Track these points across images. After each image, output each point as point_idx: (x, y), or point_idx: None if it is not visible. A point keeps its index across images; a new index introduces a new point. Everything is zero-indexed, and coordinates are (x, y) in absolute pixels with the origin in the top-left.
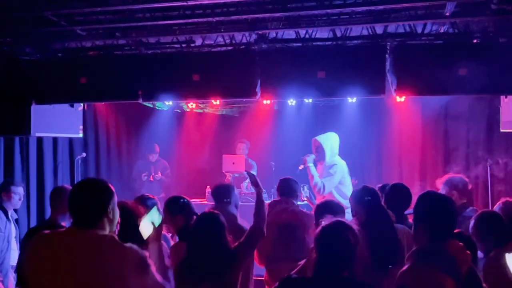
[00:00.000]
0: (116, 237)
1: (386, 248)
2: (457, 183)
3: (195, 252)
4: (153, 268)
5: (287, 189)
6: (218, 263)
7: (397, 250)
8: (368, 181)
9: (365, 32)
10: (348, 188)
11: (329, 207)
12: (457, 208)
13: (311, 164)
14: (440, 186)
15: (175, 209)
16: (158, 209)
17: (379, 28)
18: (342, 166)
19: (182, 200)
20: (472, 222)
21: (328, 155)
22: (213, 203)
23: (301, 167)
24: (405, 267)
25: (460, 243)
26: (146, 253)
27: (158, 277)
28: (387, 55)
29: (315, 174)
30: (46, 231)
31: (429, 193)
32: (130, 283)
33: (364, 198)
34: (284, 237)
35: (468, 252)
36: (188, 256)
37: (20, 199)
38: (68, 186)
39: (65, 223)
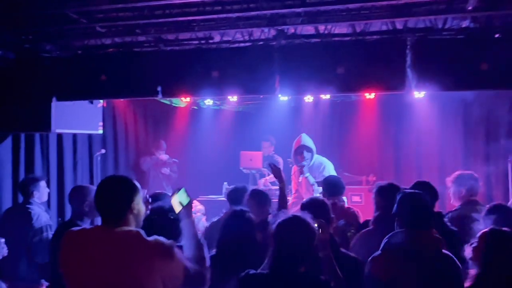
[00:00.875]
0: (142, 232)
1: None
2: (466, 180)
3: (225, 248)
4: (179, 255)
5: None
6: (247, 259)
7: None
8: (386, 178)
9: (384, 27)
10: None
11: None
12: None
13: (308, 174)
14: (449, 184)
15: None
16: (186, 191)
17: (399, 23)
18: (329, 164)
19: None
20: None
21: (315, 154)
22: None
23: (300, 179)
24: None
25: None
26: (170, 243)
27: (186, 263)
28: (407, 51)
29: (314, 183)
30: (72, 231)
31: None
32: (158, 273)
33: (388, 193)
34: None
35: None
36: (218, 252)
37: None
38: (87, 185)
39: (83, 223)
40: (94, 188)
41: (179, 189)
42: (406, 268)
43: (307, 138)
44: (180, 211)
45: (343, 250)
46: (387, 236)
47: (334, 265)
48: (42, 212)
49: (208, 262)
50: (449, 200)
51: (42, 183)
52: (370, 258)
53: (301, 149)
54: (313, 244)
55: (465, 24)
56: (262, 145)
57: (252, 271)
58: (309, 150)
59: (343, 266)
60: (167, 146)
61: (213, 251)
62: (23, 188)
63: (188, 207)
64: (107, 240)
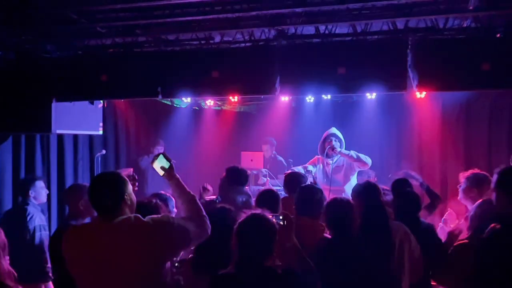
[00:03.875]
0: (139, 216)
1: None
2: (478, 181)
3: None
4: (177, 220)
5: None
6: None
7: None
8: (387, 179)
9: (385, 27)
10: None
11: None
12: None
13: (339, 149)
14: (462, 180)
15: None
16: (165, 155)
17: (400, 23)
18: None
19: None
20: None
21: (344, 144)
22: None
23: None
24: None
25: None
26: (165, 215)
27: (185, 223)
28: (408, 50)
29: (349, 152)
30: (73, 227)
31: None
32: (165, 245)
33: (364, 192)
34: None
35: None
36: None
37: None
38: (81, 183)
39: (78, 223)
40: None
41: (157, 155)
42: None
43: (336, 130)
44: (164, 174)
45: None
46: None
47: (302, 254)
48: (37, 212)
49: (203, 211)
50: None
51: (39, 183)
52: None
53: (330, 137)
54: (275, 238)
55: (466, 23)
56: (262, 148)
57: (221, 272)
58: (338, 138)
59: None
60: (168, 147)
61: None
62: (21, 188)
63: (170, 169)
64: (109, 230)
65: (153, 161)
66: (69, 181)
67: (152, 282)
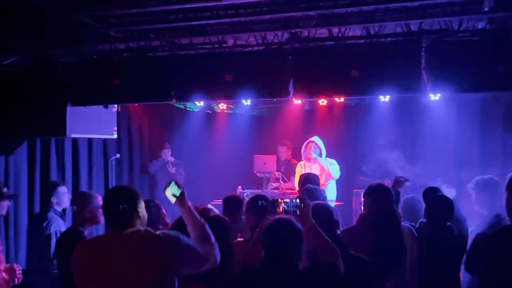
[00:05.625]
0: (150, 229)
1: (389, 247)
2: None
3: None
4: (188, 240)
5: None
6: None
7: (400, 251)
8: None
9: (399, 29)
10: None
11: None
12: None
13: (315, 155)
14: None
15: None
16: (176, 183)
17: (414, 25)
18: (336, 164)
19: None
20: None
21: (324, 153)
22: None
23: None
24: None
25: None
26: (177, 232)
27: (195, 246)
28: (422, 52)
29: (322, 161)
30: (87, 240)
31: None
32: (173, 262)
33: (376, 195)
34: None
35: None
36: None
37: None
38: (89, 191)
39: (85, 230)
40: (96, 194)
41: (169, 183)
42: None
43: (318, 138)
44: (176, 201)
45: (351, 251)
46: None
47: (320, 232)
48: (55, 218)
49: (213, 239)
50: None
51: (62, 189)
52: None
53: (310, 144)
54: (302, 239)
55: (481, 25)
56: (278, 150)
57: (246, 269)
58: (317, 146)
59: (352, 267)
60: (181, 151)
61: None
62: (42, 194)
63: (181, 197)
64: (120, 241)
65: (165, 189)
66: (83, 185)
67: None
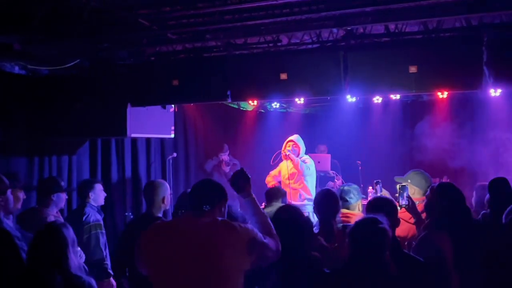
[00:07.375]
0: (227, 220)
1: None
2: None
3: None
4: (259, 234)
5: None
6: None
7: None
8: (460, 180)
9: (458, 24)
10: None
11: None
12: None
13: (289, 152)
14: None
15: None
16: (244, 172)
17: (474, 20)
18: (313, 162)
19: None
20: None
21: (302, 151)
22: None
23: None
24: None
25: None
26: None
27: (264, 239)
28: (483, 48)
29: (297, 159)
30: (159, 222)
31: None
32: (248, 251)
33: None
34: None
35: None
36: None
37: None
38: (158, 180)
39: (160, 214)
40: (165, 183)
41: (237, 171)
42: None
43: (299, 137)
44: (240, 192)
45: (405, 251)
46: None
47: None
48: (93, 212)
49: (274, 230)
50: None
51: (98, 186)
52: None
53: (289, 143)
54: (389, 237)
55: None
56: (318, 148)
57: (326, 270)
58: (295, 145)
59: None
60: (235, 150)
61: None
62: (80, 190)
63: (247, 187)
64: (197, 226)
65: (231, 179)
66: (143, 183)
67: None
